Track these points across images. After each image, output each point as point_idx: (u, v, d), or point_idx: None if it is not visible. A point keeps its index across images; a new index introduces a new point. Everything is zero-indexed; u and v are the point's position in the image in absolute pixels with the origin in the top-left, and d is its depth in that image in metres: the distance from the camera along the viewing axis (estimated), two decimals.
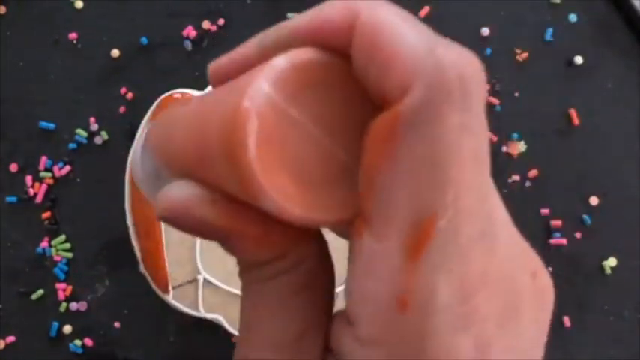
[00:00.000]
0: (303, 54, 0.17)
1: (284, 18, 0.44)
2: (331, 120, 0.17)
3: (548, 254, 0.43)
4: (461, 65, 0.15)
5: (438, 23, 0.44)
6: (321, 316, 0.19)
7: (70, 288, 0.43)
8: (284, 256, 0.18)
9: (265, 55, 0.18)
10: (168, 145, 0.20)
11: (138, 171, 0.23)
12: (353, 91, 0.17)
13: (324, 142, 0.17)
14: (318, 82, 0.17)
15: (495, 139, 0.43)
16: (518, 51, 0.44)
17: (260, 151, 0.16)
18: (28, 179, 0.44)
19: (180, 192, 0.18)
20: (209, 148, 0.17)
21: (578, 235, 0.43)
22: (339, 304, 0.18)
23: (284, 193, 0.16)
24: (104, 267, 0.44)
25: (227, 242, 0.19)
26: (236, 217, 0.18)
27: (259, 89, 0.16)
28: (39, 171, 0.44)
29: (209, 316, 0.41)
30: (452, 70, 0.15)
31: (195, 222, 0.18)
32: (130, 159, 0.24)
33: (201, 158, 0.18)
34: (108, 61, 0.44)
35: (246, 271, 0.19)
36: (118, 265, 0.44)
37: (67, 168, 0.44)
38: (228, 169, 0.17)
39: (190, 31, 0.44)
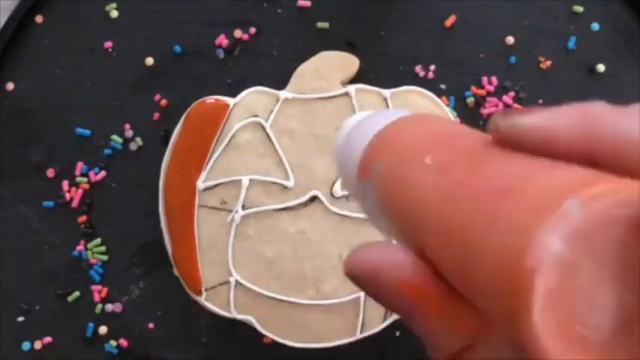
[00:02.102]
0: (599, 199, 0.14)
1: (314, 28, 0.45)
2: (620, 265, 0.14)
3: None
4: None
5: (464, 32, 0.45)
6: None
7: (105, 290, 0.44)
8: (472, 345, 0.17)
9: None
10: (400, 201, 0.18)
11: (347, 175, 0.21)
12: None
13: (614, 289, 0.14)
14: (616, 233, 0.14)
15: None
16: (542, 59, 0.45)
17: (544, 312, 0.14)
18: (65, 184, 0.45)
19: (376, 254, 0.18)
20: (467, 261, 0.15)
21: None
22: None
23: (564, 353, 0.14)
24: (139, 269, 0.45)
25: (411, 317, 0.18)
26: (425, 290, 0.17)
27: (548, 247, 0.14)
28: (75, 176, 0.45)
29: (240, 317, 0.42)
30: None
31: (382, 285, 0.18)
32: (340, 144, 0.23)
33: (447, 253, 0.16)
34: (142, 68, 0.45)
35: None
36: (152, 268, 0.45)
37: (103, 173, 0.45)
38: (494, 304, 0.15)
39: (223, 40, 0.45)
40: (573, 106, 0.17)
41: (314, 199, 0.42)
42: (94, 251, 0.45)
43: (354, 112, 0.42)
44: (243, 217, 0.42)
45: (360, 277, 0.18)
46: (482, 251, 0.15)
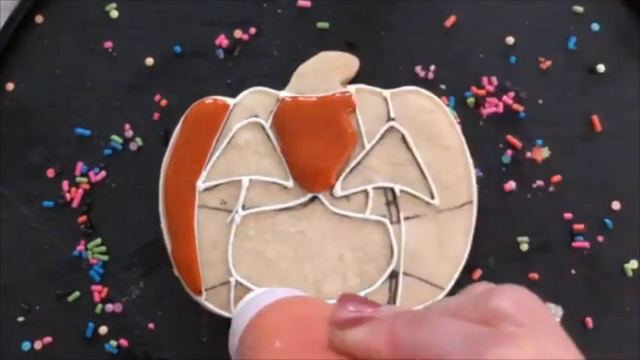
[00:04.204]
0: None
1: (314, 28, 0.45)
2: None
3: (571, 257, 0.44)
4: None
5: (464, 33, 0.45)
6: None
7: (105, 290, 0.44)
8: None
9: None
10: None
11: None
12: None
13: None
14: None
15: (520, 145, 0.44)
16: (542, 59, 0.45)
17: None
18: (65, 184, 0.45)
19: None
20: None
21: (600, 238, 0.44)
22: None
23: None
24: (139, 269, 0.45)
25: None
26: None
27: None
28: (75, 176, 0.45)
29: None
30: None
31: None
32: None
33: None
34: (142, 69, 0.45)
35: None
36: (152, 268, 0.45)
37: (103, 173, 0.45)
38: None
39: (222, 40, 0.45)
40: (385, 319, 0.23)
41: (314, 199, 0.42)
42: (94, 251, 0.45)
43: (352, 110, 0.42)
44: (243, 218, 0.42)
45: None
46: None
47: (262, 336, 0.25)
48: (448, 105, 0.44)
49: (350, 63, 0.44)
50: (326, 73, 0.43)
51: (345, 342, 0.24)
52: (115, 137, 0.45)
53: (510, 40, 0.45)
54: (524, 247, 0.44)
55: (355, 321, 0.24)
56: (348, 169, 0.42)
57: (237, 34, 0.45)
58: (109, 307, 0.44)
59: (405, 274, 0.42)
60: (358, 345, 0.23)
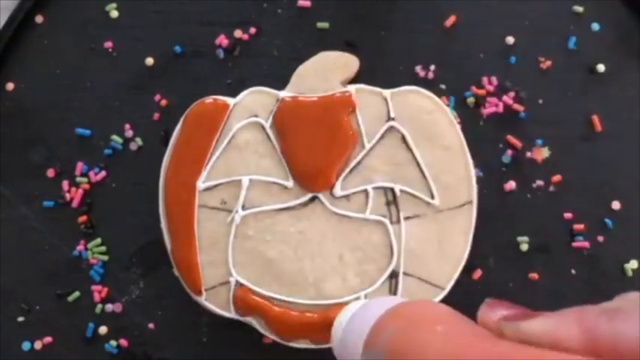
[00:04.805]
0: None
1: (314, 28, 0.45)
2: None
3: (572, 257, 0.44)
4: None
5: (464, 32, 0.45)
6: None
7: (105, 290, 0.45)
8: None
9: None
10: None
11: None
12: None
13: None
14: None
15: (520, 145, 0.45)
16: (542, 59, 0.45)
17: None
18: (65, 184, 0.45)
19: None
20: None
21: (600, 238, 0.44)
22: None
23: None
24: (139, 269, 0.45)
25: None
26: None
27: None
28: (75, 176, 0.45)
29: (241, 317, 0.42)
30: None
31: None
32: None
33: None
34: (142, 68, 0.45)
35: None
36: (152, 268, 0.45)
37: (103, 173, 0.45)
38: None
39: (223, 40, 0.45)
40: (570, 312, 0.22)
41: (314, 199, 0.42)
42: (94, 251, 0.45)
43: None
44: (243, 217, 0.42)
45: None
46: None
47: (416, 323, 0.23)
48: (448, 105, 0.44)
49: (350, 63, 0.44)
50: (326, 73, 0.43)
51: (522, 331, 0.23)
52: (115, 137, 0.45)
53: (510, 40, 0.45)
54: (524, 247, 0.44)
55: (528, 314, 0.23)
56: (348, 169, 0.42)
57: (237, 34, 0.45)
58: (109, 307, 0.44)
59: (405, 274, 0.42)
60: (543, 333, 0.22)
